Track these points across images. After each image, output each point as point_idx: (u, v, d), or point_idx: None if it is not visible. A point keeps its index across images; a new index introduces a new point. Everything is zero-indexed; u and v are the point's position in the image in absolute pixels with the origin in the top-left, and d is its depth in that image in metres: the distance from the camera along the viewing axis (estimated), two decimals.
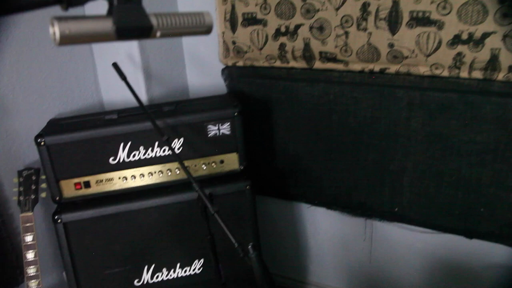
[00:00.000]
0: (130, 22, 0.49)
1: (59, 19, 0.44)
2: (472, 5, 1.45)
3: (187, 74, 2.17)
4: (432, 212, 1.83)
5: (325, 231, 2.19)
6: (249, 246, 1.23)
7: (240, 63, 1.99)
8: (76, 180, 1.64)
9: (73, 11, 0.48)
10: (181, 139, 1.67)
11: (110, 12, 0.49)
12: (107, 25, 0.48)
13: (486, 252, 1.81)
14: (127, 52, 1.82)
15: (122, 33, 0.49)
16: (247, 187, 1.76)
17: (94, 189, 1.67)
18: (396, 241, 2.03)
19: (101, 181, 1.67)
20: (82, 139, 1.58)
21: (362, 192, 1.95)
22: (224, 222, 1.25)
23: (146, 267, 1.73)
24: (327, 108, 1.86)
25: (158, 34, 0.54)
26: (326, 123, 1.88)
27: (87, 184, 1.66)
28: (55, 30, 0.44)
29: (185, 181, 1.65)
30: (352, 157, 1.89)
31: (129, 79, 1.61)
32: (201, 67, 2.12)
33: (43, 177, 1.61)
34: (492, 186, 1.65)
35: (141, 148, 1.65)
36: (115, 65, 1.60)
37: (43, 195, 1.62)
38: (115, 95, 1.98)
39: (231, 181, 1.75)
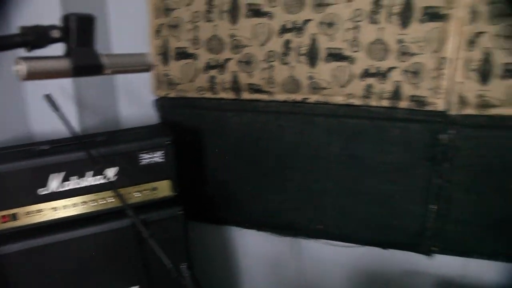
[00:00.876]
0: (85, 62, 0.56)
1: (26, 58, 0.50)
2: (377, 44, 1.66)
3: (120, 105, 2.19)
4: (352, 227, 1.99)
5: (257, 252, 2.28)
6: (182, 266, 1.29)
7: (172, 94, 2.06)
8: (3, 213, 1.59)
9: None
10: (115, 168, 1.69)
11: (68, 53, 0.56)
12: (65, 64, 0.55)
13: (401, 260, 1.99)
14: (59, 83, 1.82)
15: (78, 71, 0.56)
16: (180, 212, 1.81)
17: (23, 221, 1.63)
18: (323, 257, 2.16)
19: (30, 212, 1.64)
20: (9, 171, 1.55)
21: (288, 213, 2.07)
22: (158, 246, 1.29)
23: None
24: (254, 136, 1.98)
25: (109, 71, 0.62)
26: (254, 149, 1.99)
27: (14, 217, 1.62)
28: (22, 67, 0.50)
29: (118, 209, 1.66)
30: (279, 180, 2.01)
31: (61, 110, 1.62)
32: (133, 98, 2.16)
33: None
34: (402, 200, 1.85)
35: (74, 178, 1.65)
36: (48, 97, 1.60)
37: None
38: (46, 126, 1.96)
39: (164, 207, 1.79)
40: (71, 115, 1.85)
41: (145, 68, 0.72)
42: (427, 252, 1.94)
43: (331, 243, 2.11)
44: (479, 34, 1.58)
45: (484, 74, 1.62)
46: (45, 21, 0.59)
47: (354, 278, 2.19)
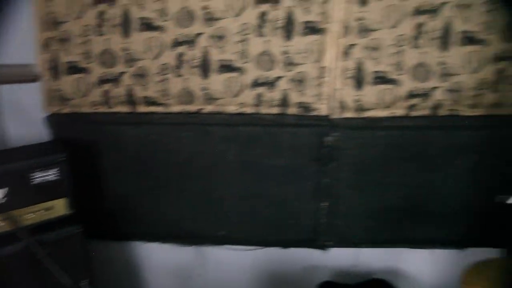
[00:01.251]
0: None
1: None
2: (265, 56, 1.79)
3: (7, 125, 2.08)
4: (253, 230, 2.09)
5: (162, 264, 2.28)
6: (84, 283, 1.27)
7: (65, 110, 2.01)
8: None
9: None
10: (4, 189, 1.61)
11: None
12: None
13: (300, 257, 2.14)
14: None
15: None
16: (78, 231, 1.77)
17: None
18: (228, 262, 2.24)
19: None
20: None
21: (189, 222, 2.12)
22: (54, 266, 1.26)
23: None
24: (151, 148, 2.00)
25: None
26: (151, 161, 2.02)
27: None
28: None
29: (10, 233, 1.59)
30: (178, 190, 2.05)
31: None
32: (22, 116, 2.06)
33: None
34: (296, 200, 1.99)
35: None
36: None
37: None
38: None
39: (62, 226, 1.73)
40: None
41: (31, 78, 0.74)
42: (322, 246, 2.11)
43: (234, 247, 2.18)
44: (352, 45, 1.77)
45: (358, 81, 1.82)
46: None
47: (258, 279, 2.29)
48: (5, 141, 2.03)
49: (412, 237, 2.03)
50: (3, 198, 1.62)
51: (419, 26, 1.74)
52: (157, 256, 2.24)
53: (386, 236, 2.08)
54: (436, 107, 1.84)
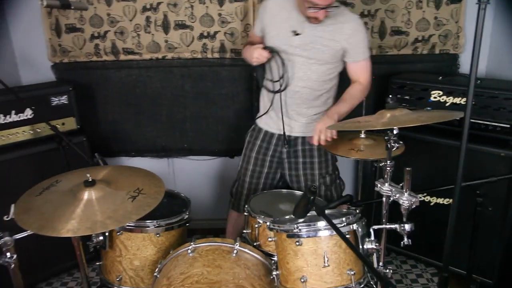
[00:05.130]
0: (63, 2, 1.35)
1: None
2: (206, 17, 2.61)
3: (20, 71, 2.81)
4: (206, 143, 2.93)
5: None
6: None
7: (66, 60, 2.77)
8: None
9: None
10: (32, 108, 2.37)
11: None
12: (57, 3, 1.35)
13: None
14: None
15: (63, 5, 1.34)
16: (84, 139, 2.56)
17: None
18: (191, 171, 3.07)
19: None
20: None
21: (162, 139, 2.93)
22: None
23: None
24: (131, 85, 2.78)
25: (72, 7, 1.41)
26: (132, 95, 2.79)
27: None
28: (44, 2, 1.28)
29: (38, 138, 2.35)
30: (152, 115, 2.84)
31: None
32: (32, 64, 2.81)
33: None
34: (236, 119, 2.84)
35: (1, 116, 2.29)
36: None
37: None
38: None
39: (72, 136, 2.50)
40: None
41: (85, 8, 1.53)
42: None
43: (194, 158, 3.02)
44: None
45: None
46: None
47: (213, 183, 3.14)
48: (20, 83, 2.77)
49: None
50: (32, 114, 2.38)
51: None
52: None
53: None
54: None
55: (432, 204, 2.32)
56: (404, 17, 2.53)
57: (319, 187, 2.18)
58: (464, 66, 2.62)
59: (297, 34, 1.96)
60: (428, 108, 2.25)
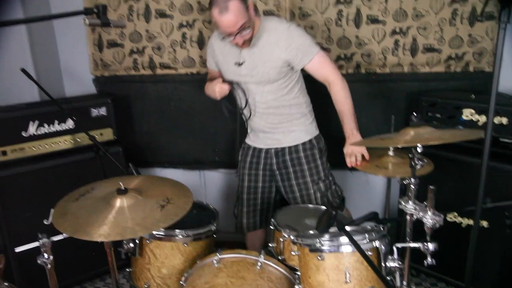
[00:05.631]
0: (104, 21, 1.46)
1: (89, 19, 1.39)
2: None
3: (64, 83, 2.99)
4: (237, 157, 2.98)
5: None
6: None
7: (106, 74, 2.92)
8: None
9: None
10: (74, 118, 2.51)
11: (98, 18, 1.45)
12: (98, 22, 1.45)
13: None
14: (22, 65, 2.52)
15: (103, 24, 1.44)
16: (120, 150, 2.68)
17: (10, 156, 2.39)
18: (222, 183, 3.13)
19: (16, 150, 2.41)
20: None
21: (195, 151, 3.02)
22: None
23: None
24: (166, 98, 2.90)
25: (112, 25, 1.52)
26: (167, 108, 2.90)
27: (4, 153, 2.38)
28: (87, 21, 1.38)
29: (78, 147, 2.49)
30: (186, 128, 2.93)
31: (24, 85, 2.37)
32: (75, 78, 2.98)
33: None
34: None
35: (45, 125, 2.45)
36: (24, 70, 2.38)
37: None
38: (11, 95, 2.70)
39: (109, 146, 2.63)
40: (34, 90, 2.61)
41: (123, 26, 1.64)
42: None
43: (225, 171, 3.08)
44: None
45: None
46: None
47: None
48: (63, 95, 2.94)
49: None
50: (73, 124, 2.53)
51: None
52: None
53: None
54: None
55: (463, 225, 2.27)
56: (436, 35, 2.52)
57: (315, 194, 2.20)
58: (500, 84, 2.56)
59: (240, 65, 2.03)
60: (460, 127, 2.22)
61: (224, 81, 2.09)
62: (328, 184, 2.23)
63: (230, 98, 2.16)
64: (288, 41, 1.96)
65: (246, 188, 2.33)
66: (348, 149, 1.96)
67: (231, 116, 2.22)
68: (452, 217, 2.26)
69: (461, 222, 2.28)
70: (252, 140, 2.29)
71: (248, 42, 1.96)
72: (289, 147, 2.20)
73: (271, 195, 2.35)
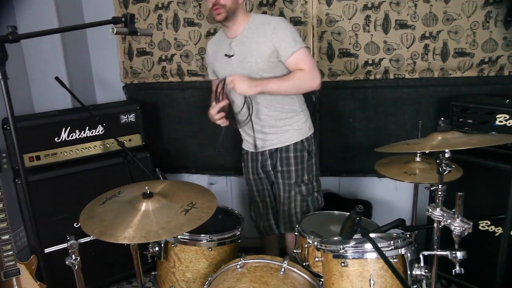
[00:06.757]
0: (131, 29, 1.50)
1: (117, 27, 1.44)
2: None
3: (95, 90, 3.10)
4: None
5: None
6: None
7: (136, 81, 3.00)
8: (30, 154, 2.45)
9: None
10: (104, 124, 2.59)
11: (126, 26, 1.50)
12: (126, 30, 1.50)
13: None
14: (56, 73, 2.62)
15: (131, 32, 1.49)
16: (148, 155, 2.74)
17: (43, 160, 2.49)
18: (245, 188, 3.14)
19: (48, 155, 2.51)
20: (35, 125, 2.39)
21: (221, 157, 3.05)
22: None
23: None
24: (194, 105, 2.95)
25: (138, 33, 1.56)
26: (194, 114, 2.95)
27: (37, 157, 2.48)
28: (114, 30, 1.43)
29: (107, 153, 2.57)
30: (213, 134, 2.96)
31: (57, 92, 2.47)
32: (106, 85, 3.08)
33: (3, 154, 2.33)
34: None
35: (77, 131, 2.54)
36: (57, 78, 2.49)
37: (5, 166, 2.34)
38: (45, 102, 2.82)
39: (137, 152, 2.69)
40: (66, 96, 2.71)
41: (150, 34, 1.70)
42: None
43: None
44: (323, 32, 2.67)
45: (329, 55, 2.71)
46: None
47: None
48: (95, 102, 3.04)
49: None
50: (102, 130, 2.60)
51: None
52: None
53: (358, 167, 2.92)
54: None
55: (497, 234, 2.19)
56: (468, 38, 2.47)
57: (295, 197, 2.23)
58: None
59: (230, 56, 2.09)
60: (493, 133, 2.15)
61: (217, 99, 2.11)
62: (311, 189, 2.26)
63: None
64: (274, 31, 2.00)
65: (256, 192, 2.39)
66: (238, 77, 1.96)
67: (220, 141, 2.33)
68: (484, 225, 2.19)
69: (494, 231, 2.20)
70: (247, 146, 2.34)
71: (223, 12, 2.00)
72: (280, 148, 2.23)
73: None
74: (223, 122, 2.11)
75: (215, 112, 2.09)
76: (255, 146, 2.22)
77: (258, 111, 2.15)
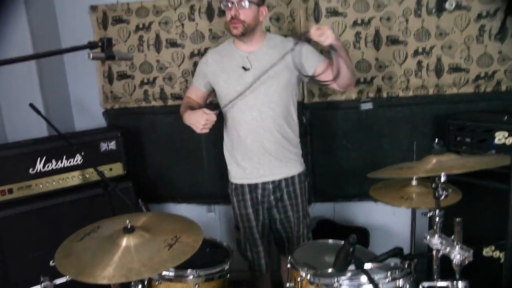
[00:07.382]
0: (108, 54, 1.51)
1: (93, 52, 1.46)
2: None
3: (74, 117, 3.09)
4: None
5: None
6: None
7: (116, 106, 3.01)
8: (2, 188, 2.40)
9: None
10: (82, 154, 2.58)
11: (103, 51, 1.51)
12: (103, 55, 1.51)
13: None
14: (31, 99, 2.62)
15: (108, 58, 1.51)
16: (130, 185, 2.72)
17: (16, 194, 2.46)
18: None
19: (22, 188, 2.48)
20: (7, 155, 2.38)
21: (208, 185, 3.04)
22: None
23: None
24: (178, 130, 2.95)
25: (116, 58, 1.59)
26: (178, 140, 2.95)
27: (10, 191, 2.45)
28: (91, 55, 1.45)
29: (86, 184, 2.55)
30: (199, 161, 2.98)
31: (32, 119, 2.46)
32: (85, 111, 3.08)
33: None
34: None
35: (53, 161, 2.52)
36: (31, 105, 2.49)
37: None
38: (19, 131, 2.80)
39: (119, 181, 2.68)
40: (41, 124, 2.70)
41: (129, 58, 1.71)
42: (309, 202, 2.96)
43: None
44: None
45: None
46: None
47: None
48: (73, 129, 3.04)
49: None
50: (81, 159, 2.59)
51: None
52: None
53: (353, 191, 2.92)
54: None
55: (501, 261, 2.20)
56: (463, 53, 2.52)
57: (303, 230, 2.33)
58: None
59: (247, 69, 2.11)
60: (492, 152, 2.18)
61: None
62: (309, 220, 2.35)
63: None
64: (299, 46, 2.04)
65: (255, 228, 2.34)
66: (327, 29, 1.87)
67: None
68: (489, 250, 2.19)
69: (499, 257, 2.21)
70: (240, 178, 2.30)
71: (240, 27, 2.03)
72: (286, 179, 2.25)
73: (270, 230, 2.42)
74: (206, 130, 2.13)
75: (213, 120, 2.08)
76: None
77: (266, 130, 2.18)
